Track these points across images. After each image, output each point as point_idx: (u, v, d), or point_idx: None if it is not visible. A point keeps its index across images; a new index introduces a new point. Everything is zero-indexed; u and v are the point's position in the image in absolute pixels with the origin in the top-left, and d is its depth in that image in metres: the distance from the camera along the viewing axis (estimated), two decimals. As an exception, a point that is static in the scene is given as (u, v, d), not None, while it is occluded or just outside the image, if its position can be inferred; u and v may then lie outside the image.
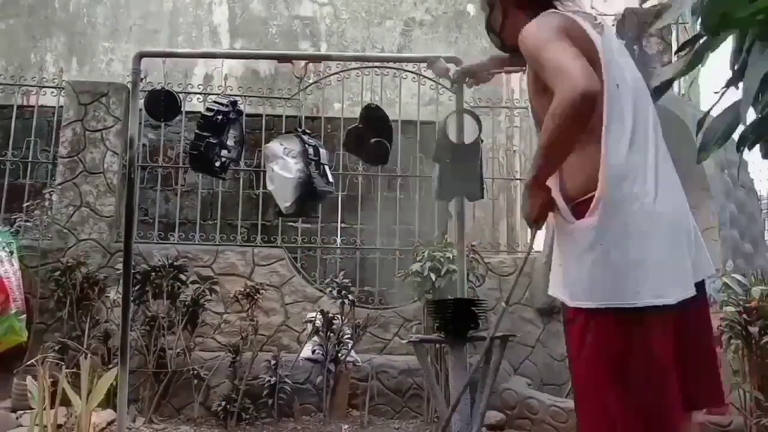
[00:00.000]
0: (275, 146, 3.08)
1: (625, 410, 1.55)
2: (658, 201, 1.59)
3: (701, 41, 1.78)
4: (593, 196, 1.58)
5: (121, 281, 3.21)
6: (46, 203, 5.50)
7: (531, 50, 1.65)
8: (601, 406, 1.59)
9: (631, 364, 1.54)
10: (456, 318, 2.55)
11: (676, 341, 1.59)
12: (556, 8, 1.77)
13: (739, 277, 3.87)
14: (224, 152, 3.01)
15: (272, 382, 4.64)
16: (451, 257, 4.66)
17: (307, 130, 3.20)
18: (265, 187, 4.02)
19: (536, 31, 1.65)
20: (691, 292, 1.59)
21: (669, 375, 1.56)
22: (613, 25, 5.16)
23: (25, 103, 6.27)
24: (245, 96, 6.04)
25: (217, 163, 2.99)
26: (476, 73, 2.56)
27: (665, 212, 1.61)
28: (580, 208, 1.62)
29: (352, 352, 4.81)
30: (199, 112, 3.12)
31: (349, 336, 4.81)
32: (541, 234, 5.74)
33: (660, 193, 1.60)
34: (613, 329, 1.57)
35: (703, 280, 1.69)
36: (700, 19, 1.55)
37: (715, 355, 1.75)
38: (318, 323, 4.77)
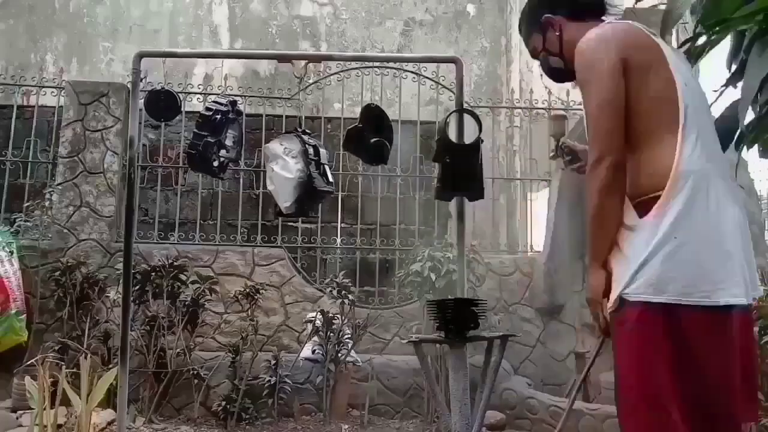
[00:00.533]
0: (275, 146, 3.07)
1: (688, 415, 1.50)
2: (724, 206, 1.58)
3: (700, 40, 1.78)
4: (656, 195, 1.56)
5: (121, 281, 3.21)
6: (46, 203, 5.50)
7: (581, 75, 1.70)
8: (659, 408, 1.52)
9: (700, 365, 1.51)
10: (456, 318, 2.55)
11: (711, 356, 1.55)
12: (607, 11, 1.79)
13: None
14: (222, 152, 3.00)
15: (272, 382, 4.64)
16: (451, 257, 4.66)
17: (307, 130, 3.19)
18: (265, 187, 4.02)
19: (592, 48, 1.67)
20: (753, 297, 1.58)
21: (734, 379, 1.53)
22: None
23: (25, 103, 6.27)
24: (245, 96, 6.04)
25: (216, 163, 2.99)
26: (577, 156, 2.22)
27: (730, 219, 1.59)
28: (640, 209, 1.60)
29: (352, 352, 4.80)
30: (199, 112, 3.12)
31: (349, 336, 4.81)
32: (541, 234, 5.74)
33: (726, 199, 1.59)
34: (688, 326, 1.53)
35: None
36: (699, 18, 1.55)
37: (757, 372, 1.72)
38: (318, 323, 4.77)
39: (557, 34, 1.88)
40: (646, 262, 1.54)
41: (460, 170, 2.63)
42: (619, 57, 1.61)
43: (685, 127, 1.57)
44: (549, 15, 1.89)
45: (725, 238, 1.56)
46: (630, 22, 1.70)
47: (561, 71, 1.94)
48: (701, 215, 1.54)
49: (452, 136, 2.83)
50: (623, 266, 1.60)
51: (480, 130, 2.76)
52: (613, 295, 1.60)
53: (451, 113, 2.86)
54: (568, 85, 7.35)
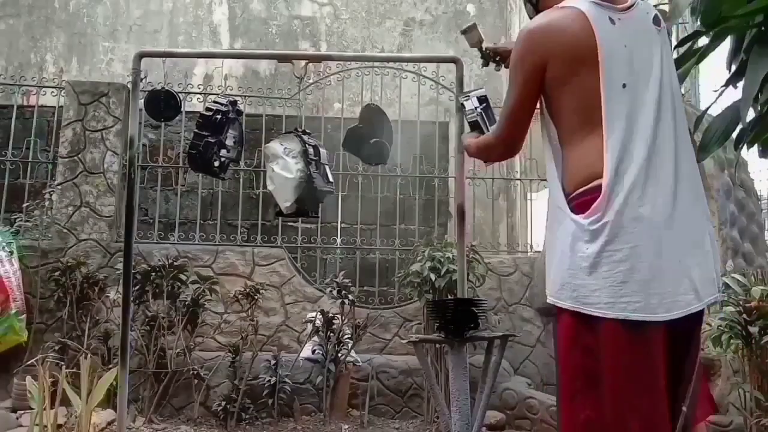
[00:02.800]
0: (275, 146, 3.07)
1: (594, 420, 1.50)
2: (664, 206, 1.55)
3: (699, 40, 1.78)
4: (587, 189, 1.58)
5: (121, 281, 3.21)
6: (46, 203, 5.50)
7: (509, 69, 1.78)
8: (574, 412, 1.55)
9: (605, 373, 1.50)
10: (456, 318, 2.55)
11: (668, 361, 1.53)
12: None
13: (739, 277, 3.87)
14: (223, 152, 3.00)
15: (272, 382, 4.64)
16: (451, 257, 4.66)
17: (307, 130, 3.19)
18: (265, 187, 4.02)
19: (516, 55, 1.71)
20: (678, 313, 1.51)
21: (651, 394, 1.49)
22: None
23: (25, 103, 6.27)
24: (245, 96, 6.03)
25: (216, 163, 2.99)
26: (504, 56, 2.33)
27: (675, 220, 1.55)
28: (575, 202, 1.61)
29: (352, 352, 4.80)
30: (199, 112, 3.11)
31: (349, 336, 4.81)
32: (541, 234, 5.74)
33: (668, 198, 1.56)
34: (591, 333, 1.53)
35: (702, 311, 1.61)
36: (699, 18, 1.55)
37: (702, 372, 1.67)
38: (318, 323, 4.76)
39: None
40: (570, 268, 1.56)
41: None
42: (539, 62, 1.65)
43: (609, 126, 1.57)
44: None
45: (660, 245, 1.52)
46: (575, 7, 1.64)
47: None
48: (630, 222, 1.52)
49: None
50: (554, 261, 1.63)
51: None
52: (550, 285, 1.63)
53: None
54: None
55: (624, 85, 1.60)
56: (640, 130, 1.58)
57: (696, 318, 1.57)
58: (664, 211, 1.55)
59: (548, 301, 1.63)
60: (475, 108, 2.27)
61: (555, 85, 1.65)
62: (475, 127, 2.22)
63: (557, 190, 1.66)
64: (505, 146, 1.85)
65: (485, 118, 2.25)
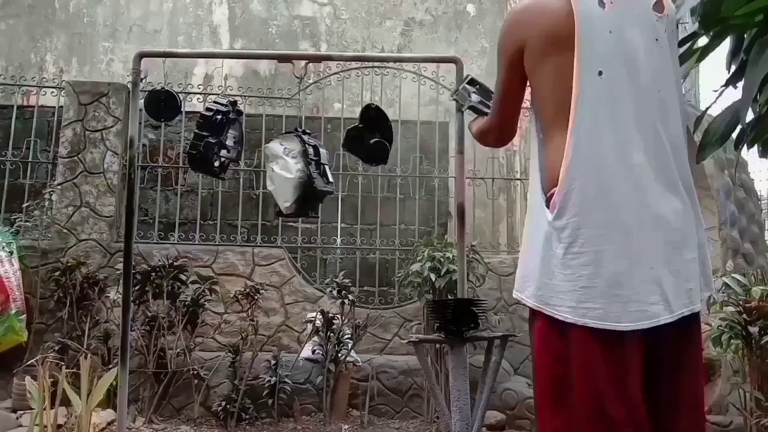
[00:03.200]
0: (275, 146, 3.07)
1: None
2: (637, 207, 1.44)
3: (699, 40, 1.78)
4: (552, 192, 1.51)
5: (121, 281, 3.21)
6: (46, 203, 5.50)
7: (496, 53, 1.75)
8: (544, 422, 1.50)
9: (568, 381, 1.44)
10: (456, 318, 2.55)
11: (646, 370, 1.43)
12: None
13: (739, 277, 3.87)
14: (223, 152, 3.00)
15: (272, 382, 4.64)
16: (451, 257, 4.66)
17: (307, 130, 3.19)
18: (265, 187, 4.02)
19: (500, 39, 1.70)
20: (646, 324, 1.40)
21: (620, 404, 1.39)
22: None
23: (25, 103, 6.27)
24: (245, 96, 6.04)
25: (217, 163, 2.98)
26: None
27: (647, 221, 1.44)
28: (551, 201, 1.52)
29: (352, 352, 4.80)
30: (199, 112, 3.11)
31: (349, 336, 4.81)
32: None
33: (642, 197, 1.45)
34: (552, 337, 1.48)
35: (693, 316, 1.50)
36: (698, 19, 1.55)
37: (699, 390, 1.54)
38: (318, 323, 4.76)
39: None
40: (541, 266, 1.50)
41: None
42: (517, 46, 1.60)
43: (577, 116, 1.46)
44: None
45: (629, 250, 1.42)
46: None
47: None
48: (594, 225, 1.43)
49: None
50: (527, 257, 1.60)
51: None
52: (517, 280, 1.61)
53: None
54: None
55: (600, 73, 1.48)
56: (616, 123, 1.47)
57: (683, 328, 1.46)
58: (640, 215, 1.44)
59: (513, 295, 1.61)
60: (468, 96, 2.30)
61: (531, 67, 1.59)
62: (476, 112, 2.29)
63: (536, 188, 1.58)
64: (499, 131, 1.88)
65: (483, 101, 2.29)
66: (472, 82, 2.44)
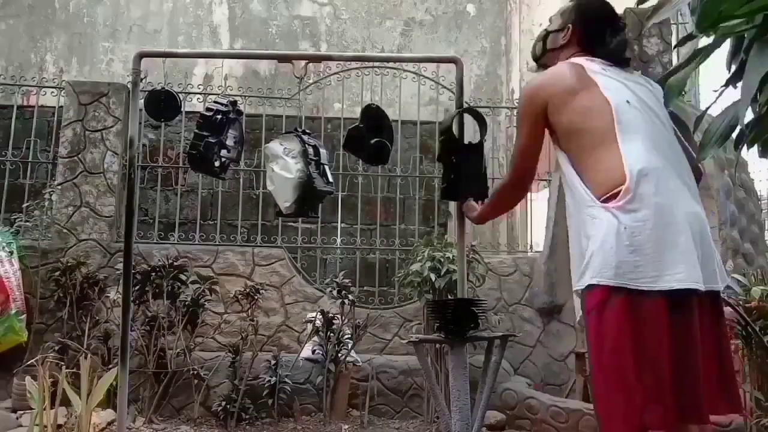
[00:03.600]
0: (275, 146, 3.07)
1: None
2: (677, 201, 1.76)
3: (700, 41, 1.78)
4: (616, 192, 1.75)
5: (121, 281, 3.21)
6: (46, 203, 5.50)
7: (516, 114, 2.25)
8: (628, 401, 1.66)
9: (634, 345, 1.65)
10: (456, 318, 2.55)
11: (671, 340, 1.67)
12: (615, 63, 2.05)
13: (739, 277, 3.87)
14: (224, 152, 3.00)
15: (272, 382, 4.64)
16: (451, 257, 4.66)
17: (307, 130, 3.18)
18: (265, 187, 4.02)
19: (522, 104, 2.08)
20: (710, 287, 1.73)
21: (664, 364, 1.65)
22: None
23: (25, 103, 6.27)
24: (245, 96, 6.04)
25: (217, 163, 2.98)
26: None
27: (682, 214, 1.75)
28: (624, 191, 1.77)
29: (352, 352, 4.80)
30: (199, 112, 3.11)
31: (349, 336, 4.81)
32: (541, 234, 5.74)
33: (679, 195, 1.78)
34: (626, 309, 1.68)
35: (718, 294, 1.83)
36: (696, 19, 1.55)
37: (728, 364, 1.82)
38: (318, 323, 4.76)
39: (558, 40, 2.17)
40: (602, 249, 1.73)
41: (465, 170, 2.63)
42: (542, 102, 1.97)
43: (622, 135, 1.81)
44: (573, 23, 2.14)
45: (673, 229, 1.72)
46: (573, 62, 2.01)
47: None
48: (649, 208, 1.72)
49: (456, 135, 2.82)
50: (589, 252, 1.79)
51: (485, 130, 2.76)
52: (584, 281, 1.78)
53: (457, 113, 2.83)
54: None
55: (628, 102, 1.87)
56: (652, 140, 1.82)
57: (708, 302, 1.78)
58: (681, 208, 1.76)
59: (589, 283, 1.74)
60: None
61: (557, 114, 1.94)
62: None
63: (584, 198, 1.84)
64: (518, 180, 2.16)
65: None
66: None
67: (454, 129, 2.78)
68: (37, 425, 3.20)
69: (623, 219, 1.72)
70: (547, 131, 2.04)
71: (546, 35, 2.22)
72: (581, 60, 2.01)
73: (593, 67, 1.97)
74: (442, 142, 2.67)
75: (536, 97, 2.01)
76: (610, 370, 1.69)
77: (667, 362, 1.65)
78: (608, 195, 1.77)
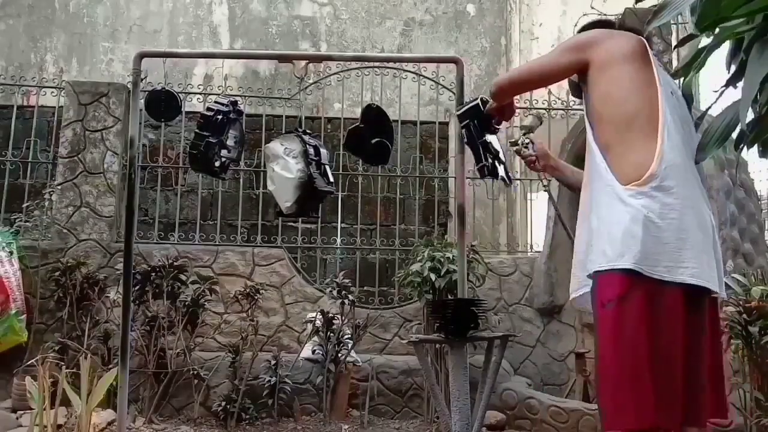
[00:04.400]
0: (275, 146, 3.07)
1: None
2: (699, 202, 1.78)
3: (700, 41, 1.78)
4: (640, 182, 1.73)
5: (121, 281, 3.21)
6: (46, 203, 5.50)
7: (563, 45, 2.06)
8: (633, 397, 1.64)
9: (651, 332, 1.64)
10: (456, 318, 2.55)
11: (684, 337, 1.67)
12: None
13: (739, 277, 3.86)
14: (224, 152, 3.00)
15: (272, 382, 4.64)
16: (451, 257, 4.66)
17: (308, 130, 3.19)
18: (265, 187, 4.02)
19: (574, 37, 2.06)
20: (714, 287, 1.72)
21: (677, 361, 1.64)
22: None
23: (25, 103, 6.27)
24: (245, 96, 6.04)
25: (217, 163, 2.98)
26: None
27: (704, 214, 1.78)
28: (652, 174, 1.75)
29: (352, 352, 4.80)
30: (199, 112, 3.11)
31: (349, 336, 4.80)
32: (541, 234, 5.74)
33: (700, 197, 1.80)
34: (647, 300, 1.66)
35: (716, 300, 1.82)
36: (695, 20, 1.55)
37: (721, 367, 1.83)
38: (318, 323, 4.76)
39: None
40: (626, 234, 1.70)
41: (493, 149, 2.58)
42: (589, 54, 1.90)
43: (665, 128, 1.77)
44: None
45: (695, 225, 1.73)
46: (638, 37, 1.95)
47: (577, 86, 2.17)
48: (677, 198, 1.72)
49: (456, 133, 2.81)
50: (606, 237, 1.76)
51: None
52: (600, 263, 1.75)
53: (473, 101, 2.66)
54: (567, 84, 7.35)
55: (672, 93, 1.85)
56: (683, 138, 1.81)
57: (713, 307, 1.81)
58: (702, 208, 1.79)
59: (606, 266, 1.71)
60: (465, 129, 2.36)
61: (599, 74, 1.87)
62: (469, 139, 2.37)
63: (608, 181, 1.79)
64: (537, 85, 2.25)
65: (475, 138, 2.31)
66: (474, 113, 2.43)
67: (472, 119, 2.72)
68: (37, 425, 3.20)
69: (649, 205, 1.70)
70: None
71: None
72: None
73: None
74: (466, 126, 2.56)
75: (594, 42, 1.93)
76: (627, 363, 1.64)
77: (680, 360, 1.64)
78: (636, 183, 1.75)
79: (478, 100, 2.45)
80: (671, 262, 1.66)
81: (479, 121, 2.42)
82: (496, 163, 2.49)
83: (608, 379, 1.69)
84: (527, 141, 2.38)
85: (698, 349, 1.70)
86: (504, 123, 2.55)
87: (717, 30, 1.61)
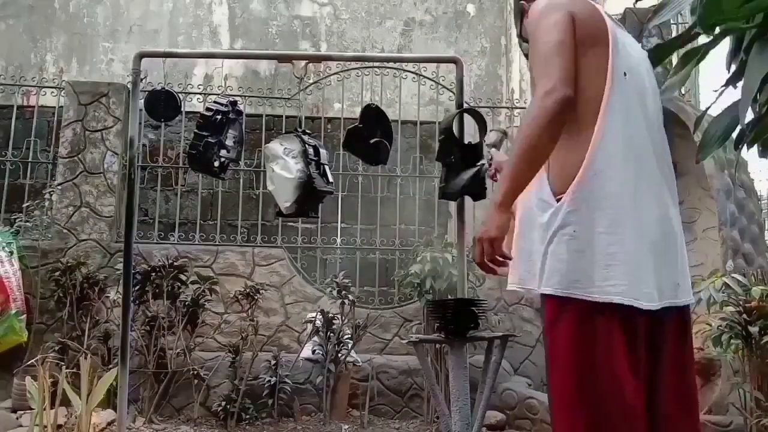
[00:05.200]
0: (275, 146, 3.07)
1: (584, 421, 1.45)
2: (644, 203, 1.53)
3: (698, 39, 1.78)
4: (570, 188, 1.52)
5: (121, 281, 3.21)
6: (46, 203, 5.50)
7: (530, 26, 1.64)
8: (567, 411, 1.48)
9: (588, 365, 1.46)
10: (456, 318, 2.55)
11: (648, 355, 1.50)
12: None
13: (739, 277, 3.86)
14: (223, 152, 3.00)
15: (272, 382, 4.64)
16: (450, 258, 4.66)
17: (307, 130, 3.19)
18: (265, 187, 4.02)
19: (542, 7, 1.60)
20: (666, 303, 1.51)
21: (627, 385, 1.44)
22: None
23: (25, 103, 6.27)
24: (245, 96, 6.03)
25: (216, 163, 2.99)
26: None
27: (651, 216, 1.55)
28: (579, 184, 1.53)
29: (352, 352, 4.80)
30: (199, 112, 3.12)
31: (349, 336, 4.81)
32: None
33: (649, 196, 1.56)
34: (576, 324, 1.48)
35: (686, 309, 1.61)
36: (697, 20, 1.55)
37: (690, 383, 1.61)
38: (318, 323, 4.76)
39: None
40: (550, 253, 1.52)
41: (465, 170, 2.61)
42: (570, 16, 1.55)
43: (607, 119, 1.50)
44: (524, 2, 1.87)
45: (631, 235, 1.49)
46: (594, 4, 1.64)
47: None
48: (606, 209, 1.49)
49: (456, 135, 2.82)
50: (529, 257, 1.59)
51: (485, 131, 2.76)
52: (543, 286, 1.54)
53: (457, 113, 2.84)
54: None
55: (625, 74, 1.57)
56: (633, 126, 1.57)
57: (668, 320, 1.56)
58: (652, 212, 1.56)
59: (539, 291, 1.55)
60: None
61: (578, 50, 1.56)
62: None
63: (545, 187, 1.58)
64: (563, 82, 1.48)
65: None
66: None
67: (455, 129, 2.78)
68: (37, 425, 3.20)
69: (571, 220, 1.49)
70: None
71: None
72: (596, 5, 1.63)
73: (598, 6, 1.63)
74: (442, 141, 2.66)
75: (564, 6, 1.58)
76: (558, 392, 1.50)
77: (627, 388, 1.45)
78: (561, 194, 1.53)
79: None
80: (601, 281, 1.46)
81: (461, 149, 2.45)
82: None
83: (552, 404, 1.56)
84: (489, 158, 2.22)
85: (654, 374, 1.51)
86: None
87: (717, 30, 1.61)
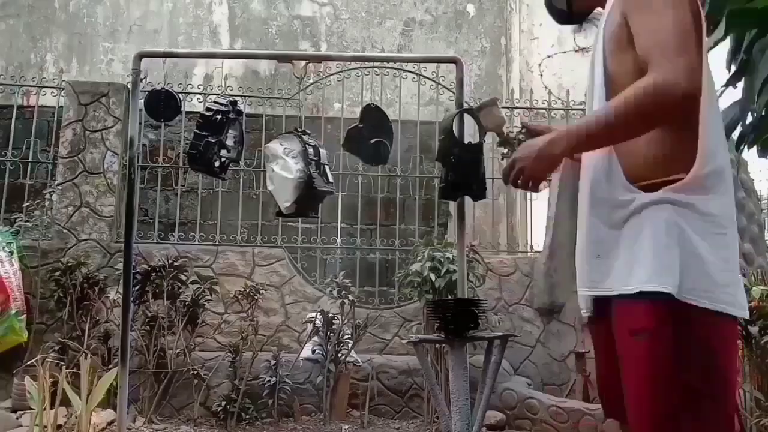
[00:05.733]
0: (275, 146, 3.07)
1: None
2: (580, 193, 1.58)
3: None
4: (661, 181, 1.36)
5: (121, 281, 3.21)
6: (46, 203, 5.50)
7: None
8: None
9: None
10: (456, 318, 2.54)
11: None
12: None
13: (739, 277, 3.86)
14: (223, 152, 3.00)
15: (272, 382, 4.64)
16: (451, 257, 4.66)
17: (307, 130, 3.19)
18: (265, 187, 4.02)
19: None
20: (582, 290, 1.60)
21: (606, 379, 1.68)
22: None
23: (25, 103, 6.27)
24: (245, 96, 6.03)
25: (217, 163, 2.99)
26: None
27: (581, 206, 1.57)
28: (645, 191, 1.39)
29: (352, 352, 4.80)
30: (199, 112, 3.11)
31: (349, 336, 4.81)
32: (541, 234, 5.74)
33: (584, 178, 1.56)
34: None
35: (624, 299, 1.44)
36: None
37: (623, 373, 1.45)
38: (318, 323, 4.76)
39: None
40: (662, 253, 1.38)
41: (464, 170, 2.61)
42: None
43: (709, 115, 1.35)
44: None
45: (572, 236, 1.54)
46: None
47: (564, 12, 1.70)
48: (721, 209, 1.39)
49: (455, 135, 2.82)
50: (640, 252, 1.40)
51: (484, 131, 2.75)
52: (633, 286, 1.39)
53: (457, 113, 2.84)
54: (567, 84, 7.38)
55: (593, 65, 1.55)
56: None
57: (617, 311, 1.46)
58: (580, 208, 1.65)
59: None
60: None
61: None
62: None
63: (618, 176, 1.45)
64: (689, 76, 1.24)
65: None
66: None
67: (455, 129, 2.77)
68: (37, 425, 3.20)
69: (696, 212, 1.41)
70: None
71: None
72: None
73: None
74: (442, 141, 2.65)
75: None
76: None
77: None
78: (650, 183, 1.40)
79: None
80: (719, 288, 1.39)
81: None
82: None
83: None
84: (505, 151, 1.97)
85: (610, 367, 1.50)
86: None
87: (720, 29, 1.61)
